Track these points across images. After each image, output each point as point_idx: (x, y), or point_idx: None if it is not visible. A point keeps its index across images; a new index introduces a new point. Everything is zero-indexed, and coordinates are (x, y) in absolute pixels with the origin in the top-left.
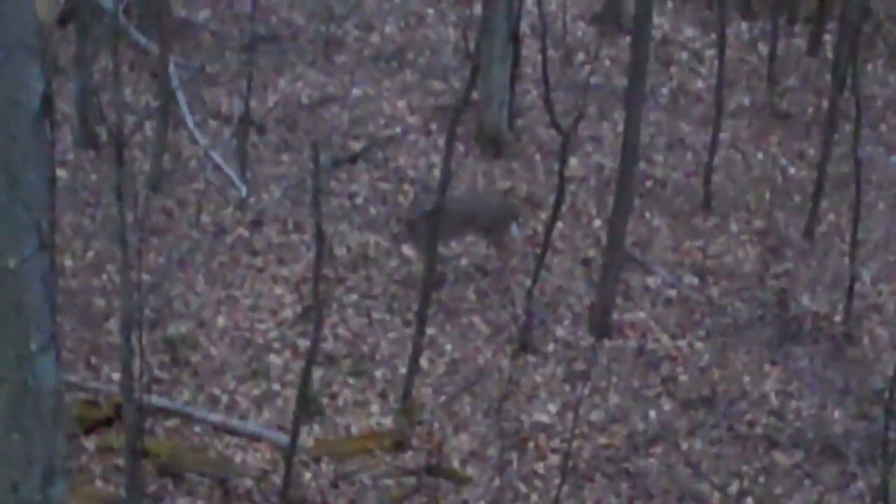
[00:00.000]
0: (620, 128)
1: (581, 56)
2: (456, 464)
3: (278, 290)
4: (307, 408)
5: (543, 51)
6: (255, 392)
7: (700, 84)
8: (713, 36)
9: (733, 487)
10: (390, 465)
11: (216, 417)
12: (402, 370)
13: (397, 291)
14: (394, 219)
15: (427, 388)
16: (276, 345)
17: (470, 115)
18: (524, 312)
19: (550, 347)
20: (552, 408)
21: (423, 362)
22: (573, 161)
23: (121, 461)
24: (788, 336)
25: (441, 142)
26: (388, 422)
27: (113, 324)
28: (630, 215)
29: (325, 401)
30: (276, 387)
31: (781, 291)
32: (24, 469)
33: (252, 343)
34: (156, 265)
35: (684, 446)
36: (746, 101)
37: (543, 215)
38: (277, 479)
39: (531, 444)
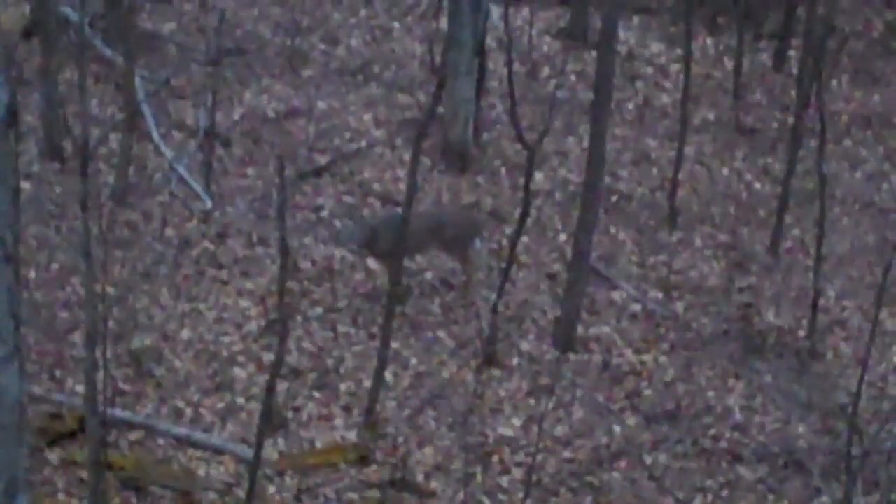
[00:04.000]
0: (586, 142)
1: (547, 70)
2: (420, 477)
3: (243, 304)
4: (271, 421)
5: (509, 65)
6: (220, 405)
7: (665, 99)
8: (679, 51)
9: (697, 502)
10: (354, 479)
11: (180, 430)
12: (367, 384)
13: (362, 305)
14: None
15: (391, 402)
16: (241, 358)
17: (435, 129)
18: (489, 326)
19: (515, 361)
20: (516, 422)
21: (388, 376)
22: (539, 175)
23: (84, 474)
24: (753, 351)
25: (406, 155)
26: (352, 435)
27: (77, 336)
28: (595, 230)
29: (289, 414)
30: (241, 400)
31: (746, 306)
32: None
33: (216, 356)
34: (120, 278)
35: (648, 460)
36: (711, 116)
37: (509, 229)
38: (241, 493)
39: (495, 458)
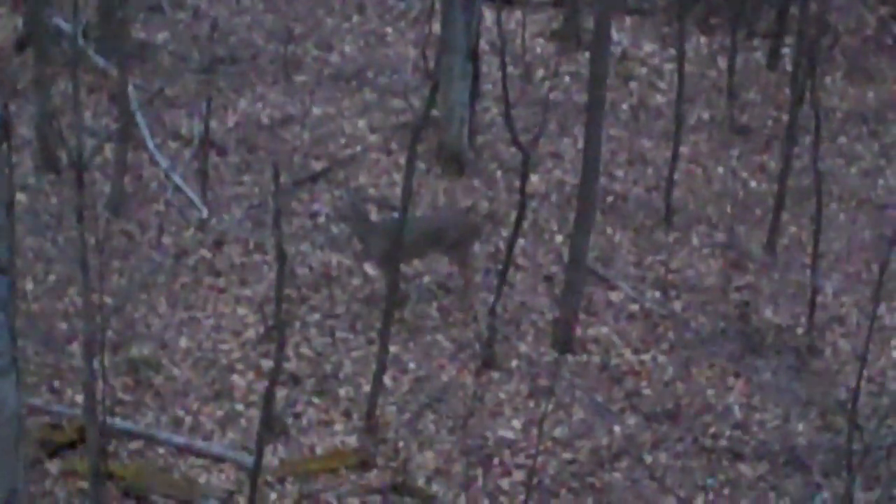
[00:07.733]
0: (581, 144)
1: (541, 73)
2: (421, 481)
3: (241, 311)
4: (271, 428)
5: (503, 68)
6: (219, 413)
7: (660, 99)
8: (672, 51)
9: (699, 501)
10: (355, 484)
11: (180, 439)
12: (366, 388)
13: (360, 310)
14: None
15: (391, 406)
16: (240, 365)
17: (430, 134)
18: (487, 329)
19: (514, 363)
20: (516, 424)
21: (387, 380)
22: (534, 177)
23: (85, 485)
24: (751, 349)
25: (402, 160)
26: (352, 440)
27: (75, 347)
28: (592, 231)
29: (289, 421)
30: (240, 407)
31: (744, 304)
32: None
33: (215, 364)
34: (117, 287)
35: (649, 460)
36: (706, 116)
37: (505, 232)
38: (242, 500)
39: (496, 461)
